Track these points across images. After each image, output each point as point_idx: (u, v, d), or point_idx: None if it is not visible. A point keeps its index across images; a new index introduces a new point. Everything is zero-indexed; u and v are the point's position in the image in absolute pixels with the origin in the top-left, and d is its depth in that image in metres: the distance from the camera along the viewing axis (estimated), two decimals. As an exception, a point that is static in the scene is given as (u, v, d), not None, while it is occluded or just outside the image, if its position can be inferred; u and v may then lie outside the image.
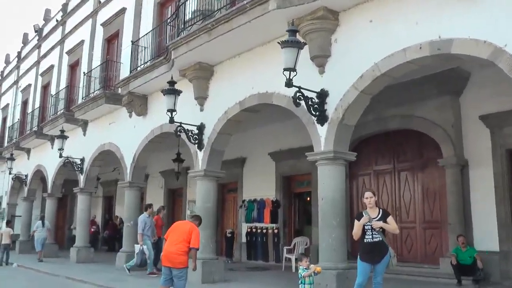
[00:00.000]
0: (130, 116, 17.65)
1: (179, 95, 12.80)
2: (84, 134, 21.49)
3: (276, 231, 18.87)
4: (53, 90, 25.98)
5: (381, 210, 8.35)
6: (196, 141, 13.60)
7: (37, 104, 28.27)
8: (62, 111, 22.41)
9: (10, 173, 28.39)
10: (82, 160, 21.04)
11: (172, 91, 12.72)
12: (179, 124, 13.14)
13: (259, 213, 19.66)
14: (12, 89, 35.28)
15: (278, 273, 15.87)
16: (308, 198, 19.19)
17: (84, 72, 21.34)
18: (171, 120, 12.76)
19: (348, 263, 10.23)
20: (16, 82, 34.34)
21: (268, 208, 19.32)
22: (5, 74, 38.35)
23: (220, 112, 13.25)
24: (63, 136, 20.15)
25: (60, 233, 31.54)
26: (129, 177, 17.35)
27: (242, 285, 12.89)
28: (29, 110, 29.53)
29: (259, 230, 19.48)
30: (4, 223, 25.91)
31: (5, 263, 20.72)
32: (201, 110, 14.00)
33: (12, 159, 28.00)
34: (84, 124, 21.34)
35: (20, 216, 28.78)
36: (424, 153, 15.02)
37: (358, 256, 8.26)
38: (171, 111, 12.66)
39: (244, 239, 20.11)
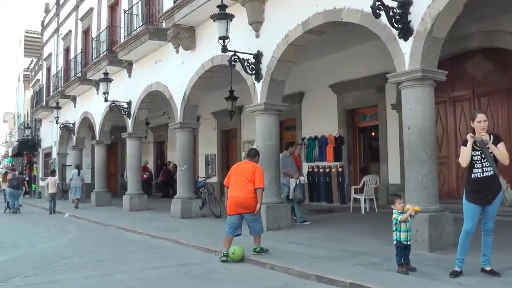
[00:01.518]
0: (177, 51, 16.22)
1: (231, 20, 11.26)
2: (130, 76, 20.26)
3: (340, 169, 17.47)
4: (94, 33, 24.79)
5: (492, 135, 6.69)
6: (254, 72, 12.08)
7: (79, 50, 27.17)
8: (104, 53, 21.18)
9: (57, 122, 27.63)
10: (129, 103, 19.87)
11: (223, 15, 11.17)
12: (233, 53, 11.62)
13: (320, 151, 18.30)
14: (53, 38, 34.36)
15: (346, 216, 14.58)
16: (374, 133, 17.77)
17: (124, 10, 19.92)
18: (224, 49, 11.28)
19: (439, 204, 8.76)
20: (56, 30, 33.35)
21: (330, 145, 17.91)
22: (45, 23, 37.43)
23: (279, 37, 11.65)
24: (107, 79, 19.01)
25: (113, 181, 31.13)
26: (180, 117, 16.05)
27: (314, 231, 11.55)
28: (71, 56, 28.53)
29: (321, 170, 18.13)
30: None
31: (52, 211, 21.02)
32: (257, 36, 12.40)
33: (58, 108, 27.21)
34: (129, 66, 20.08)
35: (70, 165, 28.15)
36: (510, 75, 13.14)
37: (464, 196, 6.67)
38: (224, 38, 11.16)
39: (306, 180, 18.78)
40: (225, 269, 8.02)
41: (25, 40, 46.90)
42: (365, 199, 14.86)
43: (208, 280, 7.30)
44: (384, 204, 15.09)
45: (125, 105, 19.88)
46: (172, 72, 16.66)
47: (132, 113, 19.76)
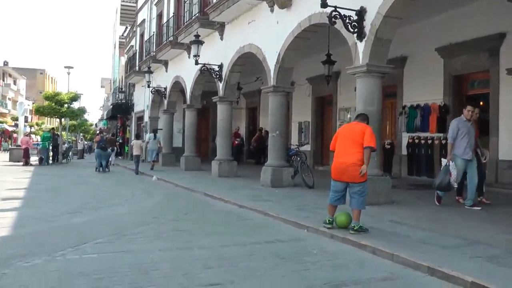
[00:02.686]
0: (272, 10, 15.20)
1: (334, -29, 10.10)
2: (222, 39, 19.47)
3: (444, 142, 15.95)
4: (187, -4, 24.12)
5: None
6: (356, 29, 10.83)
7: (172, 14, 26.69)
8: (196, 15, 20.48)
9: (149, 86, 27.52)
10: (221, 66, 19.12)
11: (324, -34, 10.03)
12: (333, 8, 10.44)
13: (423, 121, 16.87)
14: (147, 4, 34.43)
15: (451, 192, 13.11)
16: (482, 103, 16.10)
17: (217, -32, 19.06)
18: (324, 4, 10.19)
19: None
20: (150, -5, 33.21)
21: (434, 114, 16.45)
22: (140, -11, 37.48)
23: (387, -10, 10.36)
24: (198, 42, 18.34)
25: (204, 146, 30.89)
26: (273, 80, 15.08)
27: (417, 210, 10.33)
28: (164, 21, 28.18)
29: (422, 141, 16.74)
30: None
31: (137, 172, 22.30)
32: (361, -10, 11.16)
33: (150, 72, 27.06)
34: (221, 27, 19.28)
35: (162, 129, 28.08)
36: None
37: None
38: (324, -9, 10.04)
39: (404, 152, 17.45)
40: (318, 250, 6.98)
41: (121, 9, 47.62)
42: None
43: (299, 263, 6.29)
44: (492, 182, 13.58)
45: (217, 68, 19.16)
46: (266, 32, 15.68)
47: (223, 76, 19.02)
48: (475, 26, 14.67)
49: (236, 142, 29.66)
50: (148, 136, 25.08)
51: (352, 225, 7.85)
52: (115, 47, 56.41)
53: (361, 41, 10.92)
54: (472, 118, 10.56)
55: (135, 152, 23.01)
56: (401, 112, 17.54)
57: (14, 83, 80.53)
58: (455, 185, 10.40)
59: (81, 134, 56.39)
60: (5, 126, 59.73)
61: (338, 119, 21.40)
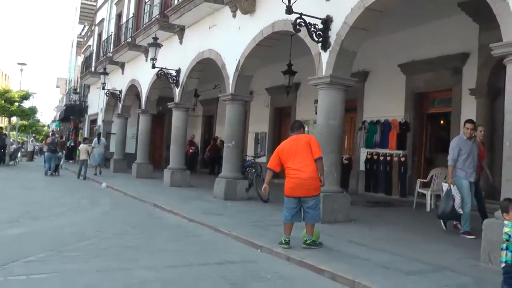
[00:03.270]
0: (234, 15, 14.65)
1: (299, -24, 9.60)
2: (181, 43, 18.81)
3: (403, 159, 15.70)
4: (148, -3, 23.39)
5: None
6: (320, 39, 10.35)
7: (131, 15, 25.87)
8: (156, 17, 19.78)
9: (103, 88, 26.58)
10: (178, 71, 18.44)
11: (289, -30, 9.52)
12: (298, 15, 9.94)
13: (382, 137, 16.54)
14: (107, 3, 33.48)
15: (409, 212, 12.83)
16: (442, 121, 15.91)
17: (179, -31, 18.45)
18: (289, 10, 9.64)
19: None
20: (111, -6, 32.30)
21: (394, 131, 16.15)
22: (101, -14, 36.52)
23: (354, 0, 9.90)
24: (156, 44, 17.63)
25: (158, 153, 30.02)
26: (232, 88, 14.49)
27: (375, 229, 9.91)
28: (123, 22, 27.33)
29: (381, 157, 16.39)
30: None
31: (82, 177, 21.86)
32: (327, -1, 10.70)
33: (105, 73, 26.16)
34: (181, 31, 18.62)
35: (115, 133, 27.17)
36: None
37: None
38: (289, -2, 9.53)
39: (362, 167, 17.06)
40: (272, 274, 6.40)
41: (81, 7, 46.66)
42: (431, 195, 13.06)
43: (250, 290, 5.73)
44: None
45: (174, 73, 18.47)
46: (227, 38, 15.11)
47: (180, 82, 18.33)
48: (439, 44, 14.45)
49: (191, 151, 28.96)
50: (94, 140, 24.61)
51: (305, 239, 7.59)
52: (72, 46, 55.10)
53: (325, 51, 10.44)
54: (478, 138, 9.85)
55: (82, 156, 22.41)
56: (361, 127, 17.21)
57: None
58: (461, 211, 9.21)
59: (32, 135, 54.65)
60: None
61: (296, 131, 20.96)
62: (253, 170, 14.81)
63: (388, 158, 16.17)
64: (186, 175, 18.45)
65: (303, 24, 10.01)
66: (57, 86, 78.02)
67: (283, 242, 7.60)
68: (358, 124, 17.38)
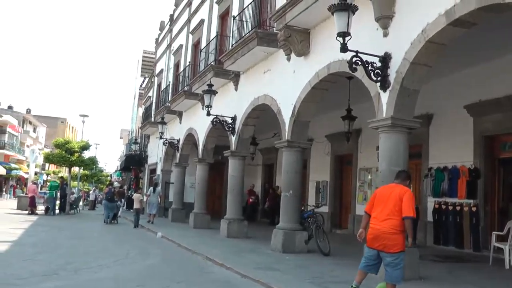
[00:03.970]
0: (289, 59, 14.10)
1: (354, 12, 8.96)
2: (236, 89, 18.41)
3: (474, 209, 14.47)
4: (203, 46, 23.30)
5: None
6: (379, 78, 9.60)
7: (188, 63, 25.88)
8: (210, 64, 19.53)
9: (161, 138, 26.46)
10: (234, 118, 17.99)
11: (344, 6, 8.86)
12: (354, 53, 9.26)
13: (450, 185, 15.34)
14: (165, 54, 33.96)
15: (486, 269, 11.56)
16: (515, 168, 14.75)
17: (233, 16, 18.19)
18: (344, 48, 8.98)
19: None
20: (168, 46, 32.87)
21: (463, 178, 14.96)
22: (159, 40, 37.25)
23: (414, 33, 9.10)
24: (211, 91, 17.22)
25: (218, 203, 29.41)
26: (288, 135, 13.82)
27: None
28: (180, 70, 27.41)
29: (450, 207, 15.18)
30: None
31: (136, 225, 22.44)
32: (385, 35, 9.91)
33: (163, 123, 26.06)
34: (236, 77, 18.26)
35: (173, 183, 26.90)
36: None
37: None
38: (344, 34, 8.88)
39: (430, 218, 15.87)
40: None
41: (142, 60, 47.74)
42: (509, 250, 11.79)
43: None
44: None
45: (229, 120, 18.03)
46: (282, 83, 14.57)
47: (236, 129, 17.85)
48: (509, 82, 13.40)
49: (251, 200, 28.41)
50: (149, 189, 25.37)
51: None
52: (134, 98, 56.16)
53: (384, 91, 9.67)
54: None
55: (135, 205, 23.20)
56: (427, 175, 16.09)
57: (34, 130, 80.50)
58: None
59: (94, 184, 55.39)
60: (21, 173, 59.11)
61: (358, 180, 20.03)
62: (314, 221, 13.90)
63: (458, 207, 14.95)
64: (243, 226, 17.72)
65: (359, 63, 9.30)
66: (121, 137, 79.76)
67: (350, 286, 7.31)
68: (424, 171, 16.30)
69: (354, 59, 9.25)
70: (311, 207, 15.60)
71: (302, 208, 15.16)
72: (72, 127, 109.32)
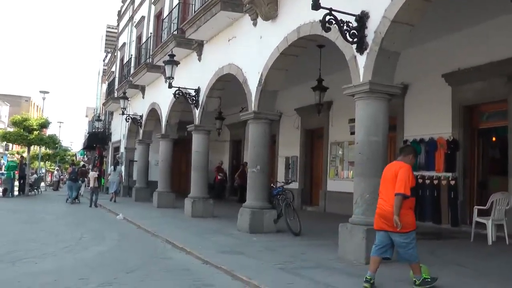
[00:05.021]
0: (255, 23, 13.01)
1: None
2: (200, 60, 17.26)
3: (452, 182, 13.68)
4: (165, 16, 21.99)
5: None
6: (355, 39, 8.55)
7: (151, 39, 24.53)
8: (172, 33, 18.29)
9: (123, 114, 25.17)
10: (197, 90, 16.85)
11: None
12: (328, 10, 8.21)
13: (428, 158, 14.56)
14: (127, 27, 32.43)
15: (470, 246, 10.74)
16: (494, 138, 13.95)
17: (196, -19, 16.96)
18: (316, 5, 7.95)
19: None
20: (131, 19, 31.29)
21: (441, 150, 14.15)
22: (121, 12, 35.58)
23: (395, -12, 8.12)
24: (172, 62, 16.02)
25: (183, 181, 28.23)
26: (255, 106, 12.77)
27: (441, 274, 7.79)
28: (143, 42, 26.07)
29: (427, 181, 14.37)
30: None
31: (94, 204, 22.14)
32: (362, -9, 8.92)
33: (125, 98, 24.76)
34: (199, 47, 17.09)
35: (136, 161, 25.76)
36: None
37: None
38: (316, -12, 7.83)
39: (406, 193, 15.03)
40: None
41: (106, 35, 46.21)
42: (492, 225, 11.00)
43: None
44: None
45: (193, 93, 16.87)
46: (248, 50, 13.47)
47: (200, 102, 16.73)
48: (488, 48, 12.54)
49: (219, 177, 27.45)
50: (110, 168, 25.36)
51: (414, 279, 6.65)
52: (99, 75, 54.43)
53: (362, 53, 8.64)
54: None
55: (91, 184, 23.04)
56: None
57: (-4, 109, 78.07)
58: None
59: (57, 164, 53.65)
60: (-21, 153, 57.20)
61: (329, 154, 19.13)
62: (284, 198, 12.91)
63: (436, 181, 14.14)
64: (209, 205, 16.71)
65: (333, 22, 8.25)
66: (86, 116, 77.74)
67: (365, 280, 6.60)
68: (399, 144, 15.40)
69: (328, 17, 8.21)
70: (281, 184, 14.60)
71: (271, 185, 14.13)
72: (37, 106, 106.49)
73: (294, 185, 19.38)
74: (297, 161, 21.39)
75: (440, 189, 14.03)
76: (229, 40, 14.77)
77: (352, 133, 17.59)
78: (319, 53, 14.04)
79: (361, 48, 8.60)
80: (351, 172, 17.81)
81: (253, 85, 12.93)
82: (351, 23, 8.52)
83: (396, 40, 8.45)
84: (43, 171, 54.67)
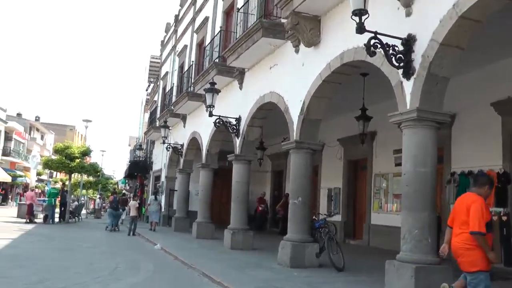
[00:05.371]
0: (297, 50, 12.69)
1: (372, -11, 7.54)
2: (241, 88, 17.03)
3: (504, 218, 12.89)
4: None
5: None
6: (402, 63, 8.12)
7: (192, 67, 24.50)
8: (214, 61, 18.15)
9: (163, 142, 25.09)
10: (238, 119, 16.58)
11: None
12: (373, 34, 7.83)
13: (477, 192, 13.75)
14: (170, 56, 32.72)
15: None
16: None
17: (237, 8, 16.81)
18: (360, 28, 7.58)
19: None
20: (173, 48, 31.54)
21: (491, 184, 13.36)
22: (164, 42, 36.03)
23: (443, 9, 7.63)
24: (213, 90, 15.82)
25: (224, 211, 27.80)
26: (296, 134, 12.37)
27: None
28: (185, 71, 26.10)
29: (477, 216, 13.56)
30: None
31: (132, 233, 22.42)
32: (408, 14, 8.44)
33: (165, 126, 24.65)
34: (240, 75, 16.86)
35: (176, 190, 25.57)
36: None
37: None
38: (360, 12, 7.51)
39: (454, 229, 14.30)
40: None
41: (150, 65, 46.80)
42: None
43: None
44: None
45: (233, 122, 16.61)
46: (290, 78, 13.15)
47: (241, 131, 16.44)
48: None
49: (260, 208, 26.92)
50: (150, 198, 25.79)
51: None
52: (142, 104, 55.03)
53: (408, 79, 8.19)
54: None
55: (132, 213, 23.24)
56: (449, 180, 14.52)
57: (42, 138, 79.57)
58: None
59: (99, 192, 54.10)
60: (27, 180, 58.14)
61: (373, 186, 18.51)
62: (326, 231, 12.37)
63: (486, 216, 13.42)
64: (248, 237, 16.26)
65: (378, 46, 7.85)
66: (129, 145, 78.70)
67: None
68: (446, 176, 14.76)
69: (373, 41, 7.81)
70: (323, 216, 14.07)
71: (313, 217, 13.61)
72: (81, 135, 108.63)
73: (337, 218, 18.84)
74: (339, 193, 20.81)
75: (491, 225, 13.27)
76: (270, 68, 14.50)
77: (397, 164, 17.11)
78: (362, 81, 13.64)
79: (407, 73, 8.15)
80: (395, 205, 17.22)
81: (295, 113, 12.56)
82: (397, 46, 8.10)
83: (445, 65, 7.97)
84: (86, 198, 55.28)
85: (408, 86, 8.22)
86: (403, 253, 8.01)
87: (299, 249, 11.87)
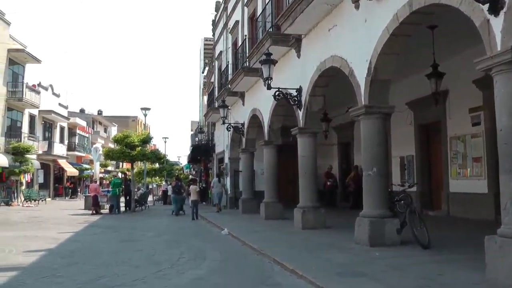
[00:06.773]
0: (357, 6, 11.39)
1: None
2: (298, 56, 15.85)
3: None
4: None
5: None
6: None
7: (246, 41, 23.43)
8: (267, 31, 17.01)
9: (223, 123, 24.18)
10: (299, 90, 15.43)
11: None
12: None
13: None
14: (223, 35, 31.63)
15: None
16: None
17: (289, -28, 15.58)
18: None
19: None
20: (225, 25, 30.53)
21: None
22: (216, 21, 35.13)
23: None
24: (269, 61, 14.66)
25: (292, 188, 26.71)
26: (365, 98, 11.12)
27: None
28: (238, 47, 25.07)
29: None
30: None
31: (196, 217, 22.62)
32: None
33: (224, 106, 23.65)
34: (297, 43, 15.68)
35: (241, 171, 24.76)
36: None
37: None
38: None
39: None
40: None
41: (204, 48, 46.17)
42: None
43: None
44: None
45: (294, 93, 15.47)
46: (352, 37, 11.85)
47: (303, 102, 15.29)
48: None
49: (329, 183, 25.72)
50: (213, 181, 26.31)
51: None
52: (200, 88, 54.57)
53: (497, 14, 6.74)
54: None
55: (192, 197, 23.50)
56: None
57: (105, 130, 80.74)
58: None
59: (164, 179, 54.21)
60: (92, 172, 59.06)
61: (450, 151, 16.98)
62: (406, 204, 10.98)
63: None
64: (320, 215, 15.14)
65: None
66: (191, 130, 78.75)
67: None
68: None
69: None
70: (402, 188, 12.70)
71: (390, 189, 12.32)
72: (144, 124, 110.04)
73: (412, 188, 17.47)
74: (413, 161, 19.37)
75: None
76: (329, 30, 13.23)
77: (474, 124, 15.59)
78: (430, 36, 12.26)
79: (495, 7, 6.70)
80: (476, 169, 15.75)
81: (361, 76, 11.28)
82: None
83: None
84: (153, 185, 55.56)
85: (497, 23, 6.80)
86: (505, 226, 6.62)
87: (378, 225, 10.69)
